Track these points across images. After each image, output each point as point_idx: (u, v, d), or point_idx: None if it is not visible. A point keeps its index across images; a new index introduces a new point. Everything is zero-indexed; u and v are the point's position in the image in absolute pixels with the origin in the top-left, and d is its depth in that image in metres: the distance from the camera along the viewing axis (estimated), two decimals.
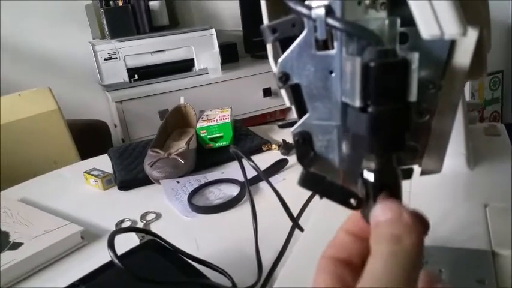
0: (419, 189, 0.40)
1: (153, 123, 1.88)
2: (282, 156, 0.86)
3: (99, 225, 0.68)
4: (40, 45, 2.10)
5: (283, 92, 0.31)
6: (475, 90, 2.64)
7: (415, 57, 0.22)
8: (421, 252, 0.21)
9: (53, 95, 1.41)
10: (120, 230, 0.43)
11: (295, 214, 0.52)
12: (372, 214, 0.23)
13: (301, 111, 0.30)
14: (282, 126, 0.91)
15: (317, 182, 0.25)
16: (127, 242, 0.49)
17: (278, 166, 0.81)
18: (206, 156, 0.90)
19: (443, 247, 0.36)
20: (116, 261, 0.37)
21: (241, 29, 2.38)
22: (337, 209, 0.25)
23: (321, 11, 0.23)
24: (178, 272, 0.45)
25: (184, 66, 2.10)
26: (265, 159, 0.83)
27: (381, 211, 0.23)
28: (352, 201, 0.25)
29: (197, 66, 2.11)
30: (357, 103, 0.22)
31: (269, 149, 0.92)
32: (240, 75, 2.15)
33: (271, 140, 0.96)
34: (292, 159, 0.84)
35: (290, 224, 0.51)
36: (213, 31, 2.09)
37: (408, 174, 0.27)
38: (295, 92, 0.30)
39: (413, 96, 0.22)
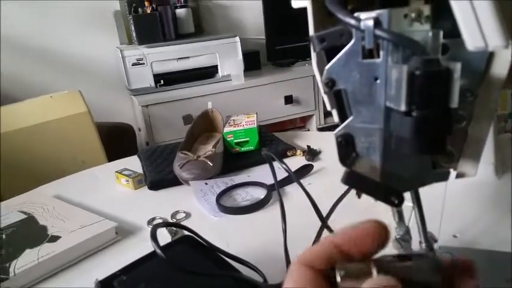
0: (450, 195, 0.42)
1: (176, 128, 1.93)
2: (306, 162, 0.88)
3: (132, 222, 0.71)
4: (70, 49, 2.17)
5: (325, 97, 0.33)
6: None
7: (457, 66, 0.24)
8: None
9: (83, 98, 1.47)
10: (161, 224, 0.45)
11: None
12: None
13: (343, 115, 0.32)
14: (321, 130, 0.93)
15: (360, 181, 0.27)
16: (159, 238, 0.51)
17: (304, 171, 0.82)
18: (232, 160, 0.93)
19: (473, 249, 0.37)
20: (159, 251, 0.40)
21: (264, 37, 2.42)
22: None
23: (370, 23, 0.25)
24: (213, 266, 0.47)
25: (208, 73, 2.14)
26: (290, 165, 0.84)
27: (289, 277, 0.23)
28: (393, 198, 0.26)
29: (220, 73, 2.15)
30: (403, 107, 0.24)
31: (294, 154, 0.94)
32: (262, 82, 2.18)
33: (295, 145, 0.98)
34: (317, 164, 0.86)
35: (317, 225, 0.53)
36: (237, 39, 2.14)
37: (445, 177, 0.29)
38: (338, 98, 0.32)
39: (454, 102, 0.24)
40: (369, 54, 0.27)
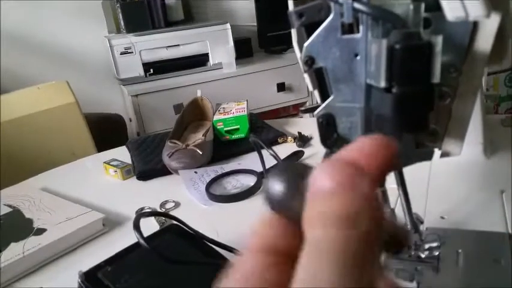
0: (438, 176, 0.41)
1: (168, 117, 1.91)
2: (297, 148, 0.87)
3: (120, 213, 0.70)
4: (57, 39, 2.13)
5: (306, 76, 0.32)
6: (489, 86, 2.60)
7: (438, 40, 0.23)
8: (380, 239, 0.15)
9: (71, 88, 1.44)
10: (144, 214, 0.44)
11: None
12: (317, 175, 0.16)
13: (324, 95, 0.31)
14: (304, 111, 0.93)
15: None
16: (147, 228, 0.50)
17: (294, 157, 0.82)
18: (223, 148, 0.92)
19: (461, 230, 0.37)
20: (142, 241, 0.39)
21: (255, 24, 2.38)
22: None
23: None
24: (200, 254, 0.46)
25: (199, 61, 2.11)
26: (281, 152, 0.84)
27: (323, 174, 0.15)
28: None
29: (212, 61, 2.12)
30: (382, 84, 0.23)
31: (285, 141, 0.93)
32: (254, 70, 2.16)
33: (286, 132, 0.97)
34: (308, 151, 0.85)
35: None
36: (228, 26, 2.10)
37: (429, 156, 0.28)
38: (319, 77, 0.30)
39: (436, 77, 0.23)
40: (349, 29, 0.26)
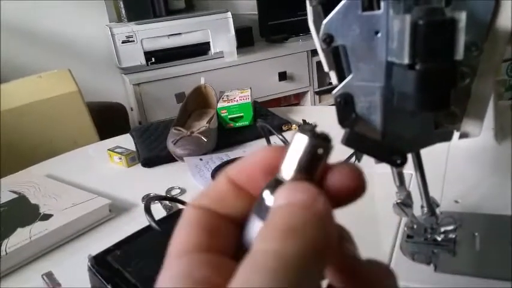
0: (451, 160, 0.41)
1: (169, 106, 1.90)
2: None
3: (125, 199, 0.70)
4: (59, 28, 2.11)
5: (322, 57, 0.31)
6: None
7: (462, 16, 0.22)
8: (326, 252, 0.15)
9: (73, 77, 1.43)
10: (155, 198, 0.44)
11: None
12: (279, 194, 0.17)
13: (341, 75, 0.30)
14: (318, 93, 0.93)
15: (361, 141, 0.26)
16: (154, 215, 0.50)
17: None
18: (227, 136, 0.91)
19: (476, 213, 0.37)
20: (154, 224, 0.38)
21: (256, 12, 2.37)
22: None
23: None
24: None
25: (200, 50, 2.10)
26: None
27: (293, 192, 0.16)
28: (396, 158, 0.25)
29: (213, 49, 2.11)
30: (406, 60, 0.22)
31: (289, 129, 0.93)
32: (256, 59, 2.15)
33: (290, 120, 0.96)
34: None
35: None
36: (229, 14, 2.09)
37: (448, 136, 0.27)
38: (336, 56, 0.30)
39: (459, 54, 0.23)
40: (369, 6, 0.26)
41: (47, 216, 0.63)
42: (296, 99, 2.41)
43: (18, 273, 0.55)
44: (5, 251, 0.55)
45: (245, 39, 2.34)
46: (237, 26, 2.19)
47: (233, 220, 0.19)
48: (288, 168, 0.18)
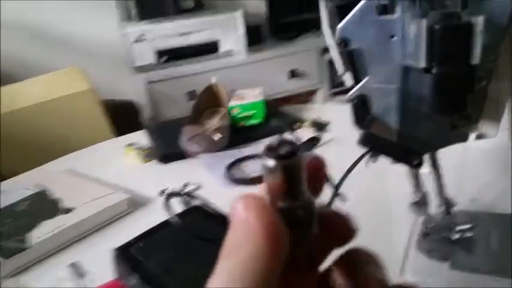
0: (465, 161, 0.42)
1: (180, 104, 1.92)
2: (313, 134, 0.88)
3: (142, 194, 0.72)
4: (71, 28, 2.14)
5: (336, 59, 0.33)
6: None
7: (479, 20, 0.24)
8: (268, 259, 0.17)
9: (86, 75, 1.46)
10: (174, 193, 0.46)
11: None
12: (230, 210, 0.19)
13: (356, 77, 0.32)
14: (334, 94, 0.94)
15: (378, 142, 0.27)
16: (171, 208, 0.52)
17: (311, 143, 0.83)
18: (239, 134, 0.93)
19: (492, 212, 0.38)
20: (174, 218, 0.40)
21: (265, 10, 2.37)
22: None
23: None
24: (224, 233, 0.48)
25: (210, 49, 2.12)
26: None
27: (231, 209, 0.18)
28: (413, 159, 0.27)
29: (222, 48, 2.12)
30: (422, 64, 0.24)
31: (301, 127, 0.94)
32: (265, 57, 2.15)
33: (301, 118, 0.98)
34: (325, 136, 0.86)
35: (328, 194, 0.54)
36: (239, 13, 2.10)
37: (464, 138, 0.29)
38: (350, 59, 0.31)
39: (476, 58, 0.24)
40: (384, 10, 0.27)
41: (68, 210, 0.65)
42: (307, 97, 2.42)
43: (44, 264, 0.57)
44: (31, 242, 0.57)
45: (254, 38, 2.34)
46: (246, 24, 2.20)
47: None
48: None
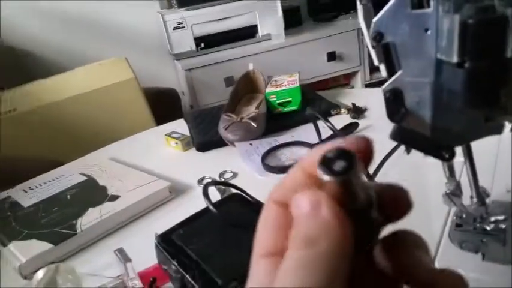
0: (503, 150, 0.41)
1: (219, 90, 1.95)
2: (351, 120, 0.87)
3: (183, 182, 0.75)
4: (112, 17, 2.21)
5: (372, 51, 0.32)
6: None
7: None
8: (343, 254, 0.17)
9: (129, 64, 1.51)
10: (211, 183, 0.47)
11: None
12: (292, 203, 0.19)
13: (391, 70, 0.31)
14: (368, 86, 0.93)
15: (409, 136, 0.27)
16: (210, 196, 0.53)
17: (349, 129, 0.82)
18: (275, 121, 0.93)
19: None
20: (212, 207, 0.42)
21: None
22: None
23: None
24: None
25: (248, 33, 2.12)
26: (335, 123, 0.84)
27: (300, 202, 0.19)
28: (444, 153, 0.26)
29: (260, 32, 2.12)
30: (454, 59, 0.23)
31: (338, 113, 0.93)
32: (304, 39, 2.13)
33: (339, 104, 0.97)
34: (363, 122, 0.85)
35: None
36: None
37: (499, 130, 0.28)
38: (386, 51, 0.31)
39: (510, 51, 0.23)
40: (419, 4, 0.26)
41: (114, 197, 0.69)
42: (346, 80, 2.37)
43: (92, 249, 0.61)
44: (80, 228, 0.61)
45: (293, 20, 2.32)
46: (284, 6, 2.18)
47: None
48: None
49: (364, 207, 0.19)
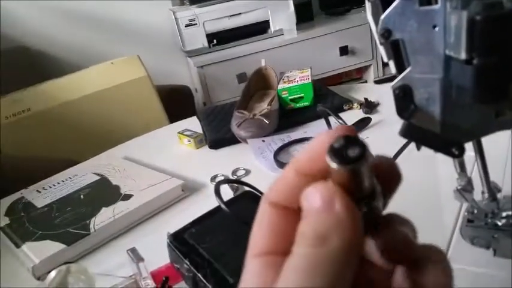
0: None
1: (231, 87, 1.95)
2: (363, 115, 0.86)
3: (196, 179, 0.75)
4: (125, 15, 2.23)
5: (381, 48, 0.32)
6: None
7: None
8: (355, 251, 0.17)
9: (142, 62, 1.52)
10: (223, 181, 0.47)
11: None
12: (303, 197, 0.18)
13: (400, 67, 0.31)
14: (378, 82, 0.92)
15: (419, 133, 0.27)
16: (222, 194, 0.53)
17: (361, 124, 0.81)
18: (288, 117, 0.93)
19: None
20: (224, 206, 0.42)
21: None
22: None
23: None
24: None
25: (260, 29, 2.11)
26: (347, 119, 0.84)
27: (311, 196, 0.18)
28: (454, 149, 0.26)
29: (272, 27, 2.11)
30: (463, 55, 0.23)
31: (350, 108, 0.92)
32: (316, 34, 2.11)
33: (351, 99, 0.96)
34: (375, 117, 0.84)
35: None
36: None
37: (509, 125, 0.27)
38: (395, 48, 0.31)
39: None
40: (426, 0, 0.26)
41: (127, 197, 0.70)
42: (358, 74, 2.35)
43: (105, 248, 0.62)
44: (94, 228, 0.62)
45: (305, 14, 2.30)
46: (296, 1, 2.17)
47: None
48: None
49: (369, 196, 0.18)
